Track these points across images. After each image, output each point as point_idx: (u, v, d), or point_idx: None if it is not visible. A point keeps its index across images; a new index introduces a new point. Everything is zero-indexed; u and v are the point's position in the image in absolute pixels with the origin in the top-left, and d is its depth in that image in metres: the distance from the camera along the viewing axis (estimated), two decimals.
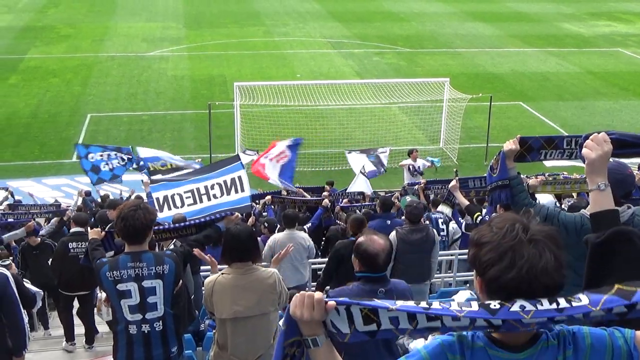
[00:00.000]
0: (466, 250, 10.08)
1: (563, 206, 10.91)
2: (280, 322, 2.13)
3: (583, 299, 2.01)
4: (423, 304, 2.06)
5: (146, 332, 5.04)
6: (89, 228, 7.89)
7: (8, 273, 5.78)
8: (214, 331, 5.41)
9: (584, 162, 2.77)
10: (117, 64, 29.04)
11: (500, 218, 2.18)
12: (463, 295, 7.97)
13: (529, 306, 1.99)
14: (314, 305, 2.06)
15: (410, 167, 16.68)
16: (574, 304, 2.00)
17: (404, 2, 44.09)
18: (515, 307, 1.99)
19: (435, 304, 2.05)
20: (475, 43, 34.33)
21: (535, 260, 2.02)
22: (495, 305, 2.00)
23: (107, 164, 13.41)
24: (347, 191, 14.90)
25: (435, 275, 9.52)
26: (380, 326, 2.06)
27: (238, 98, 20.24)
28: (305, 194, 13.93)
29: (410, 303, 2.07)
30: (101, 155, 13.47)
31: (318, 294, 2.09)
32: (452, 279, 10.50)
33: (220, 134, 20.21)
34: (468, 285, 9.84)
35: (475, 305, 2.02)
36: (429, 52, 32.27)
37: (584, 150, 2.73)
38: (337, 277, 7.41)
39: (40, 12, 38.68)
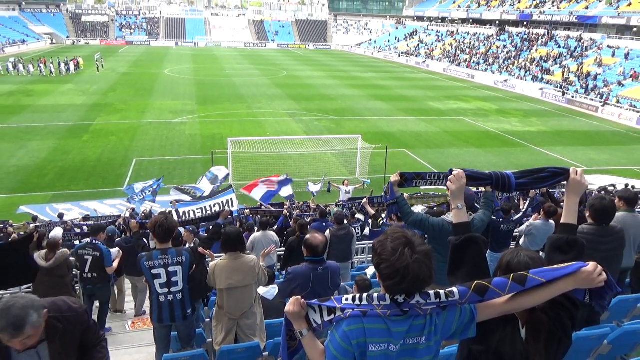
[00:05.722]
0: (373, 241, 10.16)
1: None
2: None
3: (456, 295, 2.12)
4: (357, 301, 2.14)
5: (170, 300, 4.88)
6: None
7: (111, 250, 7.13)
8: (215, 297, 5.24)
9: (448, 190, 2.71)
10: (153, 127, 28.35)
11: (395, 237, 2.10)
12: (372, 269, 7.97)
13: (422, 300, 2.09)
14: (298, 302, 2.25)
15: (344, 190, 17.12)
16: (450, 299, 2.12)
17: (333, 89, 44.58)
18: (413, 301, 2.09)
19: (364, 301, 2.13)
20: (376, 113, 34.73)
21: (417, 275, 2.03)
22: (400, 300, 2.09)
23: (140, 196, 14.17)
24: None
25: (354, 257, 9.51)
26: (336, 314, 2.17)
27: (230, 148, 20.06)
28: (271, 208, 13.83)
29: (349, 302, 2.15)
30: (136, 195, 14.22)
31: (298, 297, 2.27)
32: (365, 259, 10.50)
33: None
34: None
35: (388, 300, 2.10)
36: (349, 119, 32.48)
37: (448, 183, 2.67)
38: (291, 261, 7.29)
39: (103, 95, 37.67)
